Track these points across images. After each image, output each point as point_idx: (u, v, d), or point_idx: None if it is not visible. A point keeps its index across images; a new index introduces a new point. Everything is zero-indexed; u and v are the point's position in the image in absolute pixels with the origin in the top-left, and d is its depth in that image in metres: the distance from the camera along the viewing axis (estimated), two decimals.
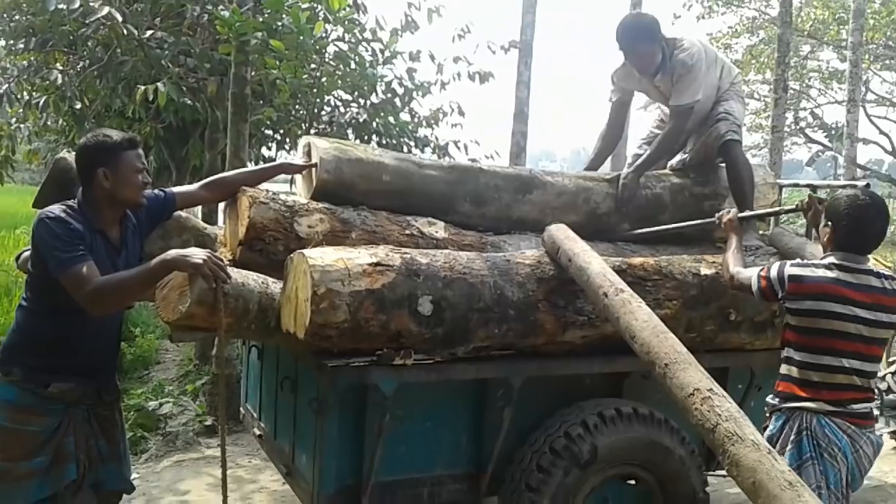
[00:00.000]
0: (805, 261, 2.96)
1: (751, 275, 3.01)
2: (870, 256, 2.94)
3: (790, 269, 2.85)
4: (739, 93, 4.36)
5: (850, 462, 2.80)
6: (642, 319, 2.64)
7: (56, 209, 2.67)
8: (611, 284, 2.81)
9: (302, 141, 3.60)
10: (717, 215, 3.55)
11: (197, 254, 2.61)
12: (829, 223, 2.89)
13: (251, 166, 6.15)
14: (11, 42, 7.91)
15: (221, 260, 2.68)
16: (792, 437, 2.81)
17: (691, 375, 2.43)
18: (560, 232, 3.20)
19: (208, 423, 5.72)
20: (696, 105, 4.07)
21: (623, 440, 3.21)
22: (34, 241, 2.68)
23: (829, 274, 2.79)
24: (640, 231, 4.03)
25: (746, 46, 21.52)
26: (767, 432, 2.88)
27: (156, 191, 3.04)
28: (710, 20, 20.21)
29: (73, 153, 3.04)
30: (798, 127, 23.66)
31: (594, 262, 2.94)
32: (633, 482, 3.42)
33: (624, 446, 3.22)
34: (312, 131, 7.16)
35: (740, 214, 3.45)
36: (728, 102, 4.20)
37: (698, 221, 3.92)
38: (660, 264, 3.39)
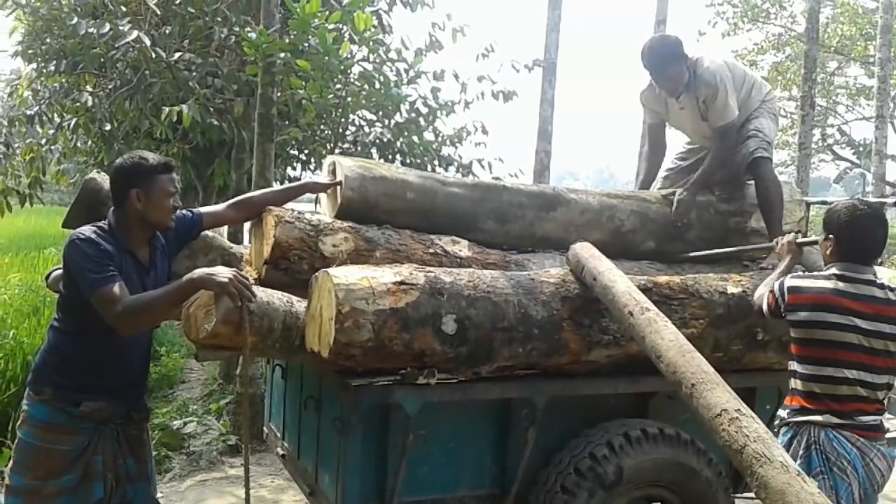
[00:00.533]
0: (807, 273, 2.98)
1: (763, 293, 3.06)
2: (883, 269, 2.93)
3: (789, 281, 2.92)
4: (772, 110, 4.33)
5: (860, 476, 2.78)
6: (668, 339, 2.61)
7: (87, 230, 2.72)
8: (636, 303, 2.78)
9: (327, 160, 3.62)
10: (776, 240, 3.51)
11: (223, 272, 2.64)
12: (830, 235, 2.93)
13: (276, 186, 6.21)
14: (43, 64, 8.08)
15: (247, 279, 2.70)
16: (801, 452, 2.82)
17: (718, 396, 2.40)
18: (584, 250, 3.19)
19: (232, 442, 5.74)
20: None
21: (649, 461, 3.16)
22: (65, 262, 2.72)
23: (828, 284, 2.84)
24: (695, 254, 4.02)
25: (772, 63, 21.46)
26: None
27: (184, 211, 3.08)
28: (736, 37, 20.14)
29: (103, 174, 3.09)
30: (825, 144, 23.47)
31: (619, 281, 2.92)
32: None
33: (650, 467, 3.17)
34: (337, 151, 7.22)
35: (798, 240, 3.38)
36: (759, 119, 4.17)
37: (758, 246, 3.95)
38: (686, 283, 3.36)
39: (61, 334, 2.82)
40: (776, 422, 3.00)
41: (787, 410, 2.94)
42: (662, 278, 3.38)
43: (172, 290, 2.68)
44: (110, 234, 2.76)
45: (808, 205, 4.54)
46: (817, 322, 2.81)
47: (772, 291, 2.98)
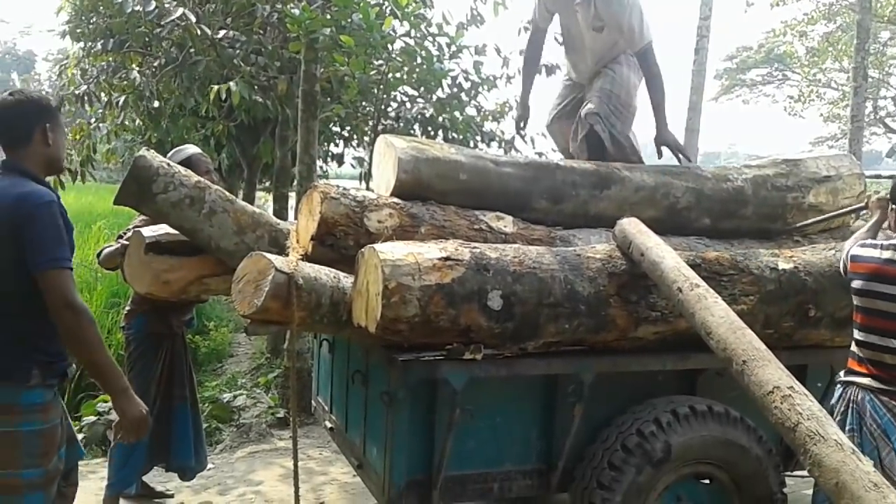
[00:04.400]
0: (872, 241, 2.98)
1: (845, 248, 3.13)
2: None
3: (853, 249, 3.00)
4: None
5: (893, 444, 2.83)
6: (718, 315, 2.57)
7: (50, 194, 2.48)
8: (685, 279, 2.74)
9: (379, 140, 3.60)
10: (866, 199, 3.52)
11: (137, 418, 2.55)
12: (894, 206, 3.00)
13: (320, 163, 6.24)
14: (90, 44, 8.19)
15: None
16: (841, 409, 2.96)
17: (770, 373, 2.36)
18: (632, 226, 3.15)
19: (280, 415, 5.84)
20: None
21: (697, 438, 3.13)
22: (23, 221, 2.40)
23: (883, 255, 2.88)
24: (799, 224, 4.02)
25: (823, 34, 20.85)
26: (830, 402, 3.04)
27: None
28: (785, 6, 19.54)
29: (153, 151, 3.13)
30: (878, 117, 22.82)
31: (668, 257, 2.88)
32: (707, 481, 3.34)
33: (698, 445, 3.14)
34: (379, 127, 7.22)
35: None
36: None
37: (852, 208, 3.93)
38: (735, 258, 3.30)
39: (18, 314, 2.48)
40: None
41: (844, 370, 3.05)
42: (711, 254, 3.32)
43: (111, 367, 2.53)
44: (41, 183, 2.51)
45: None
46: (869, 291, 2.89)
47: (845, 255, 3.07)
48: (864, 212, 3.62)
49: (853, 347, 3.01)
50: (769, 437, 3.28)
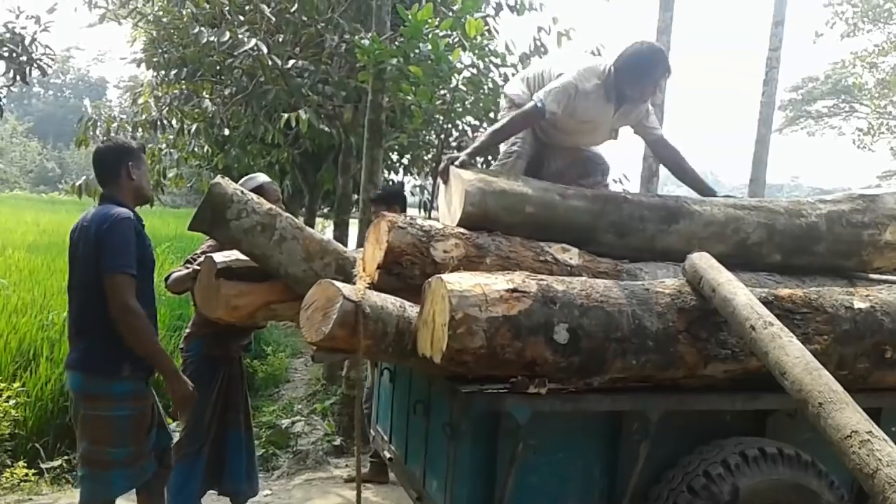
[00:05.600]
0: None
1: None
2: None
3: None
4: None
5: None
6: (794, 355, 2.50)
7: (127, 212, 3.17)
8: (759, 317, 2.68)
9: (453, 172, 3.62)
10: None
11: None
12: None
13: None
14: (163, 72, 8.47)
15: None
16: None
17: (848, 416, 2.27)
18: (703, 261, 3.09)
19: (337, 442, 5.85)
20: None
21: (767, 482, 3.04)
22: (101, 237, 3.08)
23: None
24: (875, 276, 3.94)
25: (894, 65, 20.36)
26: None
27: None
28: (855, 38, 19.20)
29: (227, 179, 3.21)
30: None
31: (740, 293, 2.82)
32: None
33: (768, 488, 3.05)
34: (442, 157, 7.27)
35: None
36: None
37: None
38: (809, 296, 3.21)
39: (109, 315, 3.07)
40: None
41: None
42: (784, 291, 3.24)
43: (161, 355, 3.23)
44: (128, 209, 3.19)
45: None
46: None
47: None
48: None
49: None
50: (841, 483, 3.16)
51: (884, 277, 3.89)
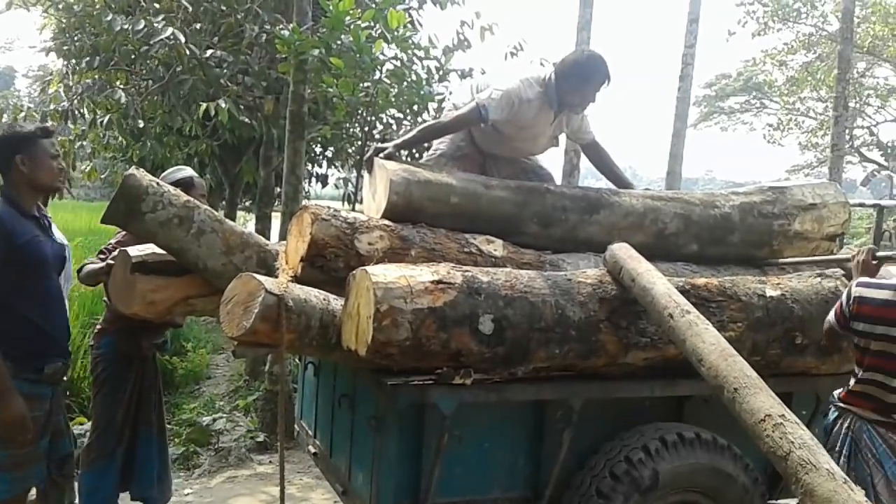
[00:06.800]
0: (876, 280, 2.95)
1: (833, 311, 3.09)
2: None
3: (856, 290, 2.94)
4: None
5: (886, 472, 2.87)
6: (710, 342, 2.57)
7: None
8: (676, 305, 2.74)
9: (377, 162, 3.58)
10: (852, 253, 3.49)
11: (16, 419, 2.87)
12: None
13: (305, 184, 6.22)
14: (75, 61, 8.15)
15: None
16: (841, 433, 3.00)
17: (762, 401, 2.35)
18: (623, 251, 3.15)
19: (260, 439, 5.76)
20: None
21: (685, 466, 3.12)
22: None
23: (887, 296, 2.85)
24: (781, 261, 4.03)
25: (802, 63, 21.22)
26: (826, 422, 3.12)
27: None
28: (766, 37, 19.91)
29: (142, 170, 3.10)
30: (852, 146, 23.19)
31: (658, 283, 2.88)
32: None
33: (686, 472, 3.13)
34: (365, 149, 7.22)
35: (878, 255, 3.30)
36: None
37: (833, 257, 3.92)
38: (724, 285, 3.31)
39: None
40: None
41: (840, 392, 3.07)
42: (700, 280, 3.33)
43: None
44: (12, 203, 3.00)
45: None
46: (874, 334, 2.87)
47: (840, 301, 3.02)
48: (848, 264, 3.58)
49: (851, 382, 3.02)
50: (756, 465, 3.27)
51: (788, 260, 4.03)
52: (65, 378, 3.19)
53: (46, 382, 3.05)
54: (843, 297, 3.01)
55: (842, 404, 3.03)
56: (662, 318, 2.78)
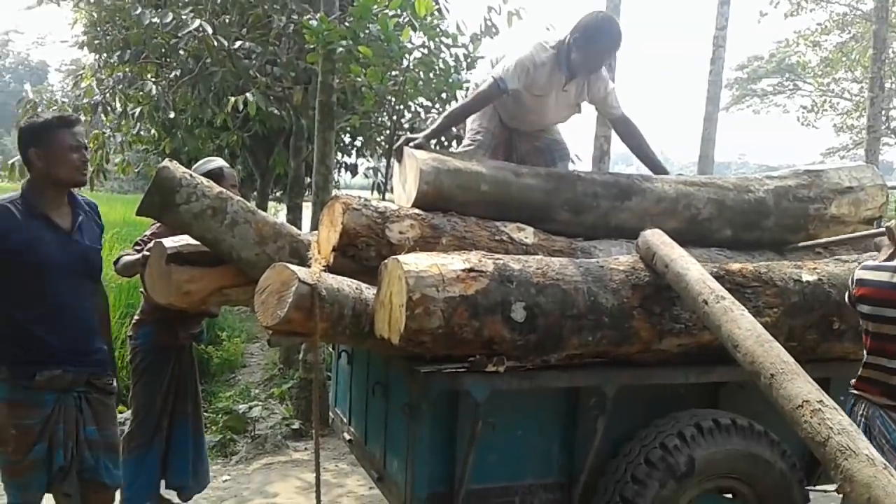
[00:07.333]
0: (879, 263, 2.90)
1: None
2: None
3: (858, 273, 2.89)
4: None
5: None
6: (745, 328, 2.55)
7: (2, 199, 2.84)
8: (711, 291, 2.72)
9: (407, 152, 3.59)
10: (887, 226, 3.43)
11: None
12: None
13: (335, 174, 6.24)
14: (106, 55, 8.25)
15: None
16: (856, 421, 2.90)
17: (799, 386, 2.33)
18: (655, 237, 3.13)
19: (295, 426, 5.82)
20: None
21: (721, 452, 3.11)
22: None
23: (886, 278, 2.79)
24: (804, 244, 3.97)
25: (836, 44, 20.79)
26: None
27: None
28: (798, 17, 19.52)
29: (175, 163, 3.13)
30: (890, 127, 22.71)
31: (692, 268, 2.86)
32: (730, 496, 3.31)
33: (722, 459, 3.12)
34: (395, 138, 7.22)
35: None
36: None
37: (869, 233, 3.87)
38: (759, 270, 3.27)
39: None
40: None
41: (854, 380, 3.00)
42: (735, 266, 3.30)
43: None
44: (22, 201, 2.83)
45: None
46: (877, 316, 2.81)
47: (848, 284, 2.97)
48: (882, 238, 3.51)
49: (860, 367, 2.97)
50: (793, 451, 3.24)
51: (825, 241, 3.98)
52: (79, 388, 2.94)
53: (46, 389, 2.85)
54: (849, 279, 2.97)
55: (854, 391, 2.97)
56: (697, 304, 2.76)
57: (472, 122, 4.24)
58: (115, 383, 3.16)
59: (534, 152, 4.24)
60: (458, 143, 4.39)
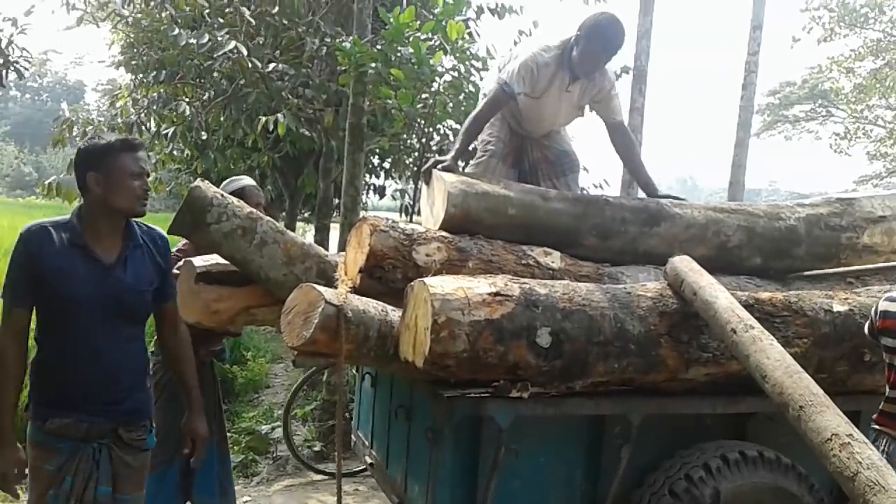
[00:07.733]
0: None
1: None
2: None
3: (882, 304, 2.86)
4: None
5: None
6: (774, 358, 2.51)
7: (38, 223, 2.58)
8: (739, 320, 2.69)
9: (435, 174, 3.60)
10: None
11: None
12: None
13: (363, 195, 6.27)
14: (142, 75, 8.40)
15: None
16: None
17: (829, 419, 2.29)
18: (684, 264, 3.10)
19: (317, 448, 5.80)
20: None
21: (748, 485, 3.05)
22: None
23: None
24: (834, 270, 3.94)
25: (870, 70, 20.60)
26: None
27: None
28: (832, 43, 19.41)
29: (207, 182, 3.17)
30: None
31: (721, 297, 2.83)
32: None
33: (748, 492, 3.06)
34: (423, 160, 7.26)
35: None
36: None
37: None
38: (789, 300, 3.23)
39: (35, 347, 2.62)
40: None
41: (876, 415, 2.95)
42: (765, 294, 3.25)
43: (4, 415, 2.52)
44: (67, 227, 2.55)
45: None
46: None
47: (870, 315, 2.93)
48: None
49: (883, 405, 2.92)
50: (821, 486, 3.18)
51: (853, 269, 3.93)
52: (101, 441, 2.59)
53: (59, 436, 2.54)
54: (872, 310, 2.92)
55: (876, 426, 2.91)
56: (725, 333, 2.72)
57: (482, 132, 4.24)
58: (150, 439, 2.79)
59: (544, 161, 4.26)
60: (473, 156, 4.40)
